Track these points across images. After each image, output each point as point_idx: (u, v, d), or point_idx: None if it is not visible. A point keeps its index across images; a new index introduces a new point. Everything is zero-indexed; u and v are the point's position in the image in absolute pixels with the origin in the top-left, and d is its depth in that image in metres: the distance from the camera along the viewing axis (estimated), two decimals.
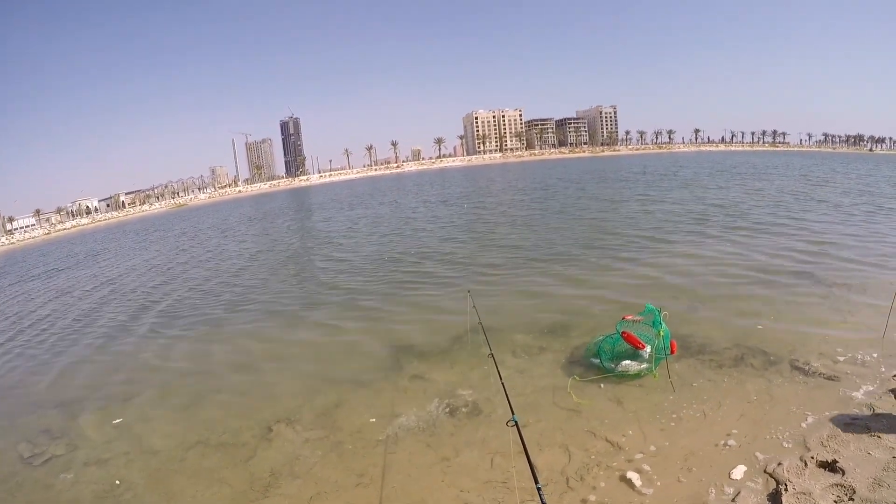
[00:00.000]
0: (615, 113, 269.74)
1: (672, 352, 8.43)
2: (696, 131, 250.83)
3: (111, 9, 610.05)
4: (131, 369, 12.02)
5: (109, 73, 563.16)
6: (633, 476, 5.96)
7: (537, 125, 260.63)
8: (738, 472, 5.81)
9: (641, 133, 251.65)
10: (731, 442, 6.42)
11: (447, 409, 8.11)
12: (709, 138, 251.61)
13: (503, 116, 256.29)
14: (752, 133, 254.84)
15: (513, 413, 4.64)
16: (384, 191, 78.46)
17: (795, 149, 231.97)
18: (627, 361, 8.61)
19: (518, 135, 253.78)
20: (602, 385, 8.27)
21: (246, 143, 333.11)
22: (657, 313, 8.50)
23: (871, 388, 7.39)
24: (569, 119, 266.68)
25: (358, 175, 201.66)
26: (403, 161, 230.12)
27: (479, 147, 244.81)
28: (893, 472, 5.35)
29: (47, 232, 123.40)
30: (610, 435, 6.87)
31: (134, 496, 6.94)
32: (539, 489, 3.52)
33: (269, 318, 14.54)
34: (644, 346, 8.56)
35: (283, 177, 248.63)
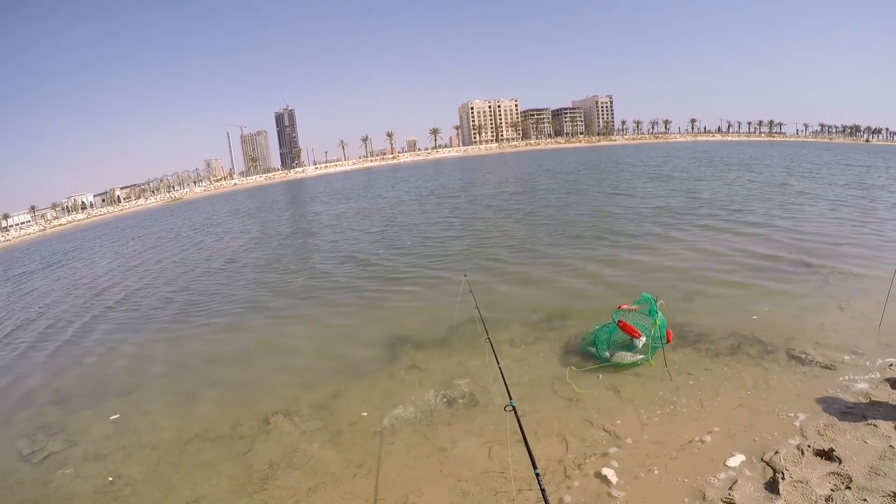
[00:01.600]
0: (611, 103, 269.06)
1: (668, 341, 8.44)
2: (693, 121, 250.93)
3: (104, 2, 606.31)
4: (127, 365, 11.98)
5: (103, 66, 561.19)
6: (630, 465, 5.98)
7: (533, 115, 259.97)
8: (736, 460, 5.83)
9: (638, 123, 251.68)
10: (728, 430, 6.44)
11: (444, 399, 8.12)
12: (705, 128, 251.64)
13: (499, 106, 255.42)
14: (749, 123, 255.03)
15: (510, 397, 4.63)
16: (380, 183, 78.26)
17: (792, 139, 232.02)
18: (624, 351, 8.62)
19: (514, 125, 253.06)
20: (599, 375, 8.28)
21: (241, 136, 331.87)
22: (653, 302, 8.50)
23: (867, 377, 7.41)
24: (565, 109, 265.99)
25: (354, 167, 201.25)
26: (399, 152, 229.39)
27: (475, 137, 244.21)
28: (890, 460, 5.38)
29: (43, 228, 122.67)
30: (607, 424, 6.89)
31: (133, 491, 6.94)
32: (538, 475, 3.51)
33: (264, 311, 14.51)
34: (640, 335, 8.58)
35: (278, 169, 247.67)
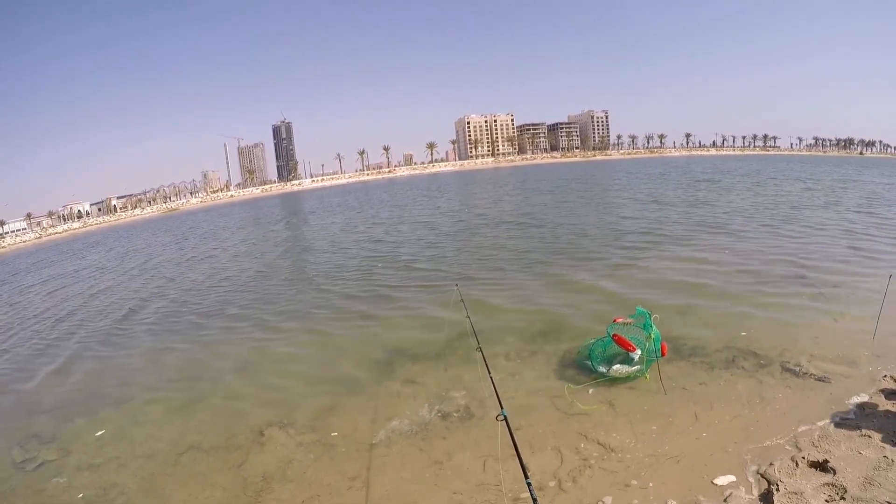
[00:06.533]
0: (607, 118, 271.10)
1: (663, 354, 8.45)
2: (688, 136, 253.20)
3: (102, 11, 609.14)
4: (121, 376, 11.92)
5: (100, 76, 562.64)
6: (624, 478, 5.99)
7: (529, 130, 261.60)
8: (730, 472, 5.84)
9: (633, 137, 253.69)
10: (723, 443, 6.45)
11: (439, 413, 8.11)
12: (700, 142, 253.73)
13: (495, 121, 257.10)
14: (744, 137, 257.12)
15: (502, 407, 4.64)
16: (376, 196, 78.45)
17: (786, 152, 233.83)
18: (619, 365, 8.64)
19: (510, 139, 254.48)
20: (594, 388, 8.28)
21: (238, 148, 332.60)
22: (648, 316, 8.52)
23: (861, 389, 7.44)
24: (560, 124, 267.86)
25: (350, 180, 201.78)
26: (396, 166, 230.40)
27: (471, 152, 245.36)
28: (884, 471, 5.39)
29: (38, 236, 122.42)
30: (602, 437, 6.89)
31: (127, 501, 6.90)
32: (529, 483, 3.52)
33: (260, 324, 14.46)
34: (635, 349, 8.58)
35: (275, 181, 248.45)
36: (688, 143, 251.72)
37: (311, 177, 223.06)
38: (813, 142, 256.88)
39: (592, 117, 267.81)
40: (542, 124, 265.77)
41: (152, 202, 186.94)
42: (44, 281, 32.39)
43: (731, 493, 5.52)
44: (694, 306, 11.88)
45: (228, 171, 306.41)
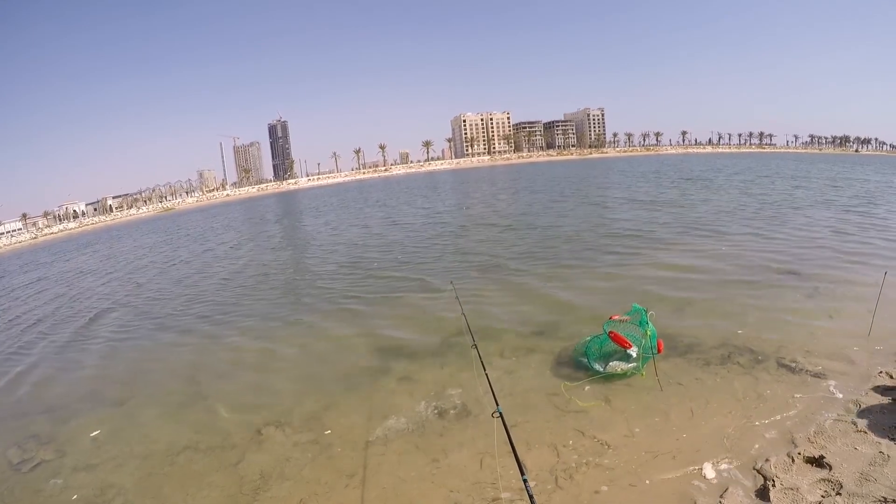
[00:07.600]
0: (603, 115, 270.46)
1: (659, 351, 8.46)
2: (684, 133, 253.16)
3: (98, 12, 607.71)
4: (117, 376, 11.89)
5: (96, 76, 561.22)
6: (621, 474, 6.00)
7: (525, 128, 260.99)
8: (726, 468, 5.86)
9: (629, 135, 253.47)
10: (719, 439, 6.47)
11: (436, 410, 8.11)
12: (696, 140, 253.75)
13: (491, 119, 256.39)
14: (740, 135, 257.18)
15: (497, 404, 4.64)
16: (373, 196, 78.37)
17: (782, 150, 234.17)
18: (615, 361, 8.65)
19: (506, 137, 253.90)
20: (590, 385, 8.29)
21: (234, 147, 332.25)
22: (644, 313, 8.53)
23: (856, 385, 7.48)
24: (556, 122, 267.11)
25: (346, 178, 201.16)
26: (392, 164, 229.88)
27: (467, 150, 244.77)
28: (879, 466, 5.42)
29: (34, 236, 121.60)
30: (598, 434, 6.91)
31: (124, 501, 6.89)
32: (525, 480, 3.52)
33: (257, 322, 14.44)
34: (631, 346, 8.60)
35: (271, 180, 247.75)
36: (684, 140, 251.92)
37: (308, 175, 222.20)
38: (809, 140, 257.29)
39: (589, 115, 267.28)
40: (539, 122, 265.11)
41: (148, 202, 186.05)
42: (36, 281, 32.24)
43: (728, 488, 5.53)
44: (690, 303, 11.90)
45: (224, 171, 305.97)
